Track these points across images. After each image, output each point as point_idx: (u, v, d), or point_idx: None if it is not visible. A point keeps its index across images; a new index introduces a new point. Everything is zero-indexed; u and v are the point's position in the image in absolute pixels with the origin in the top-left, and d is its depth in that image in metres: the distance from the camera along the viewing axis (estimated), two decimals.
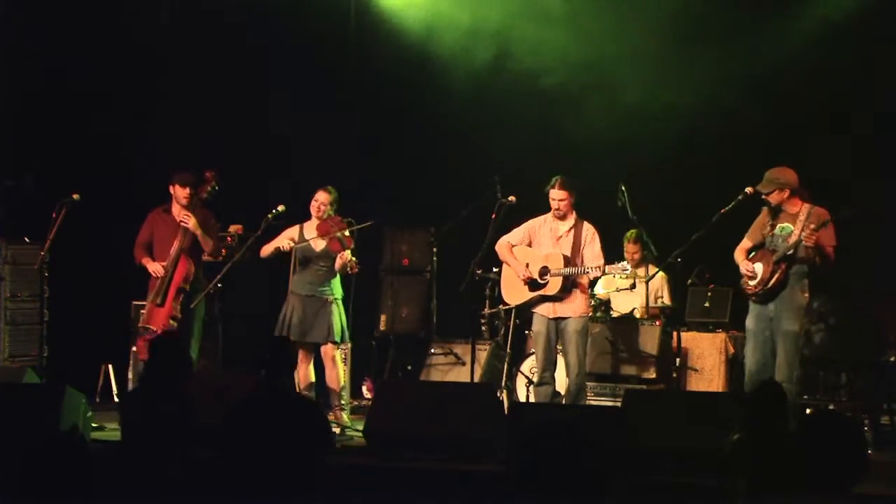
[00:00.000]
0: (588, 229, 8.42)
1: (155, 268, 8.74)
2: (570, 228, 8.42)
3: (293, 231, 8.95)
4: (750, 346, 7.93)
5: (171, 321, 8.65)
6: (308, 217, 8.92)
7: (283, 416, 5.74)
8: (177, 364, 6.13)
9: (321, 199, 8.84)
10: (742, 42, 9.96)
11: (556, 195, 8.38)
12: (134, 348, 9.47)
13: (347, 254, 8.67)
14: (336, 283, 8.83)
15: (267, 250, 8.94)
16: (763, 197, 7.87)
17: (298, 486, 5.54)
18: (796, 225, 7.78)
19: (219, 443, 5.82)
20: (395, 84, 10.95)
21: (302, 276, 8.83)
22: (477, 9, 10.62)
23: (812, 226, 7.66)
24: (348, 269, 8.70)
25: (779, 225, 7.87)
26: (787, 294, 7.79)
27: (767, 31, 10.02)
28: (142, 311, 9.06)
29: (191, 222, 8.72)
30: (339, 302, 8.81)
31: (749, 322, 7.97)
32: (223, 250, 9.64)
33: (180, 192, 8.80)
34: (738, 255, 8.04)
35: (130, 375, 9.64)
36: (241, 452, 5.69)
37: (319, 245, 8.82)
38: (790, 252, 7.75)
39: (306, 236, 8.87)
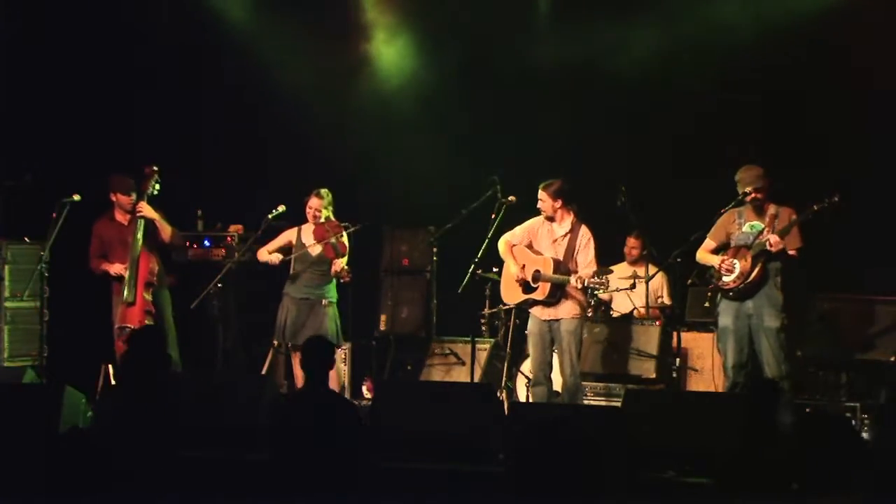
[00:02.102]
0: (584, 235, 8.39)
1: (116, 268, 8.77)
2: (567, 232, 8.41)
3: (291, 233, 8.97)
4: (731, 344, 7.96)
5: (147, 315, 8.66)
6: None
7: (327, 418, 5.74)
8: (154, 358, 6.10)
9: (314, 206, 8.85)
10: (745, 40, 9.94)
11: (539, 195, 8.40)
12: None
13: (341, 262, 8.68)
14: (331, 286, 8.86)
15: (262, 257, 8.94)
16: (753, 195, 7.87)
17: (343, 486, 5.54)
18: (766, 223, 7.87)
19: (262, 443, 5.82)
20: (395, 84, 10.96)
21: (297, 280, 8.86)
22: (471, 6, 10.62)
23: (781, 227, 7.78)
24: (341, 277, 8.73)
25: (748, 223, 7.94)
26: (766, 291, 7.86)
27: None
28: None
29: (146, 211, 8.75)
30: (334, 305, 8.84)
31: (726, 320, 7.99)
32: (222, 249, 9.64)
33: (123, 200, 8.85)
34: (704, 254, 8.12)
35: None
36: (285, 453, 5.68)
37: (316, 249, 8.83)
38: (767, 247, 7.83)
39: (303, 240, 8.89)
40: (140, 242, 8.72)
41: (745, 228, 7.96)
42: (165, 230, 8.89)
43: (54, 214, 8.90)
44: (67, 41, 10.40)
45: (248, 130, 10.83)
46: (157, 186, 8.89)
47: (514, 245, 8.55)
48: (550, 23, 10.60)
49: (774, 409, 6.08)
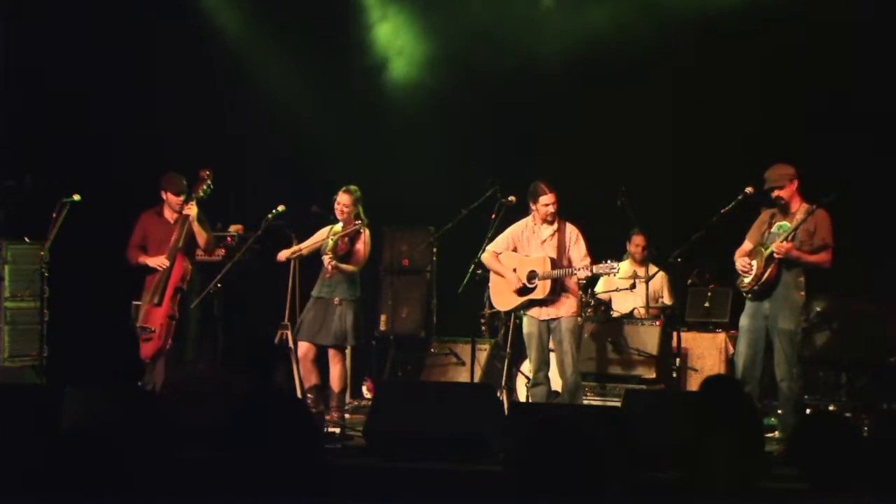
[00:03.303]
0: (572, 230, 8.42)
1: (157, 261, 8.72)
2: (554, 232, 8.41)
3: (324, 231, 8.93)
4: (743, 343, 7.94)
5: (170, 320, 8.65)
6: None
7: (273, 417, 5.75)
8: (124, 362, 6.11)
9: (342, 201, 8.78)
10: (750, 36, 9.93)
11: (549, 199, 8.36)
12: None
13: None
14: (347, 284, 8.73)
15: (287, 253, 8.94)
16: (775, 193, 7.82)
17: (288, 485, 5.55)
18: (793, 223, 7.81)
19: (215, 442, 5.82)
20: (394, 84, 10.97)
21: (320, 280, 8.83)
22: (470, 6, 10.61)
23: (798, 222, 7.72)
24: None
25: (776, 224, 7.89)
26: (783, 292, 7.80)
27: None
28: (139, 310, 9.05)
29: (193, 211, 8.73)
30: (350, 303, 8.73)
31: (744, 320, 7.97)
32: (222, 250, 9.65)
33: (173, 200, 8.83)
34: (739, 256, 8.06)
35: None
36: (235, 452, 5.70)
37: (327, 245, 8.79)
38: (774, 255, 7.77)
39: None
40: (178, 246, 8.71)
41: (774, 229, 7.90)
42: (202, 236, 8.86)
43: (54, 214, 8.91)
44: (67, 41, 10.41)
45: (249, 131, 10.82)
46: (209, 190, 8.88)
47: (499, 253, 8.57)
48: (551, 15, 10.58)
49: (728, 409, 6.05)
